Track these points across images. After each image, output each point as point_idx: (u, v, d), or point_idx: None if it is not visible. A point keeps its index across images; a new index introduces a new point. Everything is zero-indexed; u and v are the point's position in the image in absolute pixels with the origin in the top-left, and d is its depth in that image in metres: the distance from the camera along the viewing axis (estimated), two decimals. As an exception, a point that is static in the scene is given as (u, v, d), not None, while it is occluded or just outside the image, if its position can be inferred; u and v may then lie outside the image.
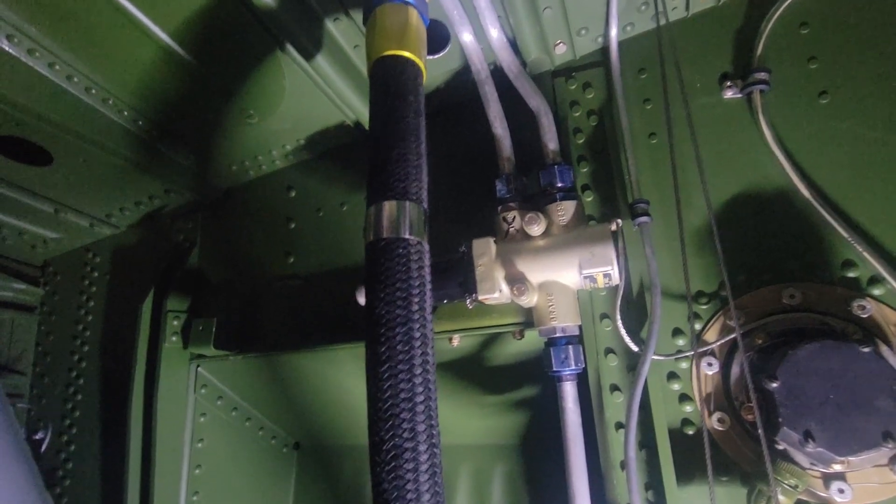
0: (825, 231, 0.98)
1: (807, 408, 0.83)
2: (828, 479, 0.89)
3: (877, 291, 0.94)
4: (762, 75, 1.05)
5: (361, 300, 1.12)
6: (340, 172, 1.57)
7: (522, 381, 1.40)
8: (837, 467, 0.86)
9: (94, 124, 1.38)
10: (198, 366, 1.64)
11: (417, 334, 0.70)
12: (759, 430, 0.86)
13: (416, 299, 0.71)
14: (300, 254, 1.59)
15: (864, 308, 0.93)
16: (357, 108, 1.34)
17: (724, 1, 1.13)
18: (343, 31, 1.17)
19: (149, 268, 1.86)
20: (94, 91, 1.30)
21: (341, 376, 1.60)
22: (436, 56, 1.22)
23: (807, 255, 0.99)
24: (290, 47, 1.18)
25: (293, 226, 1.61)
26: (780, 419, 0.84)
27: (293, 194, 1.63)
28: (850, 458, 0.81)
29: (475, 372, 1.35)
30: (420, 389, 0.68)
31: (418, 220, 0.76)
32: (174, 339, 1.61)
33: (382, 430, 0.66)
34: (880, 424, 0.79)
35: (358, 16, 1.13)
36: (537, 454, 1.60)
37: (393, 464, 0.65)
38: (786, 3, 1.07)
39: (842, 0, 1.04)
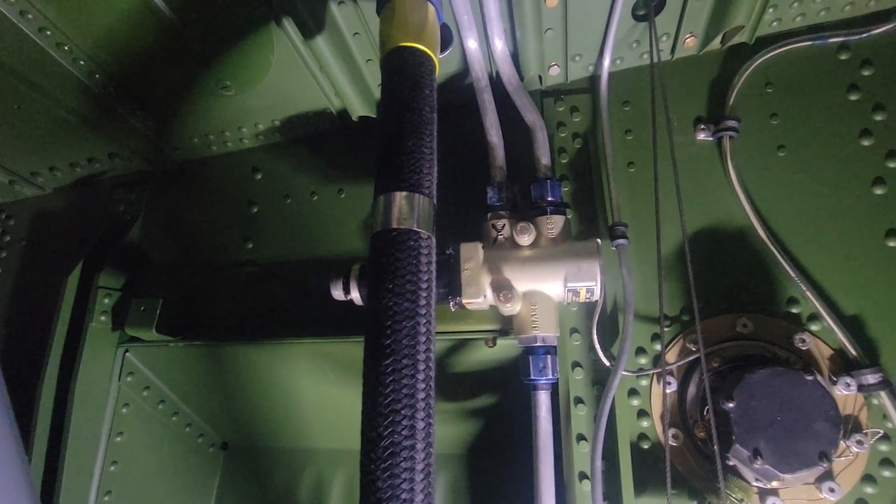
0: (776, 269, 1.09)
1: (757, 427, 0.91)
2: (764, 494, 0.97)
3: (814, 327, 1.05)
4: (732, 123, 1.16)
5: (337, 294, 1.08)
6: (314, 160, 1.50)
7: (481, 390, 1.41)
8: (775, 484, 0.95)
9: (41, 68, 1.23)
10: (126, 351, 1.49)
11: (423, 329, 0.68)
12: (715, 447, 0.93)
13: (424, 293, 0.70)
14: (260, 240, 1.50)
15: (803, 341, 1.03)
16: (346, 97, 1.30)
17: (704, 51, 1.23)
18: (346, 16, 1.14)
19: (77, 238, 1.67)
20: (49, 33, 1.16)
21: (290, 374, 1.52)
22: (439, 58, 1.22)
23: (759, 289, 1.09)
24: (287, 22, 1.13)
25: (255, 210, 1.52)
26: (734, 437, 0.91)
27: (259, 177, 1.54)
28: (789, 476, 0.90)
29: (438, 377, 1.34)
30: (422, 386, 0.66)
31: (428, 213, 0.75)
32: (103, 318, 1.45)
33: (381, 427, 0.63)
34: (818, 446, 0.89)
35: (364, 3, 1.11)
36: (482, 465, 1.61)
37: (390, 461, 0.62)
38: (755, 63, 1.19)
39: (801, 68, 1.17)
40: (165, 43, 1.21)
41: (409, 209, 0.72)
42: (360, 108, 1.34)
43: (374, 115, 1.38)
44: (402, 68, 0.84)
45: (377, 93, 1.35)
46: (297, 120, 1.45)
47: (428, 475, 0.65)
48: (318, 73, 1.25)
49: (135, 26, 1.16)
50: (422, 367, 0.66)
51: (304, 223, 1.46)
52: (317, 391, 1.52)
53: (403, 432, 0.63)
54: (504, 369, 1.26)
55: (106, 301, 1.46)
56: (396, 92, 0.81)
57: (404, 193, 0.73)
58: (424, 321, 0.68)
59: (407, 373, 0.65)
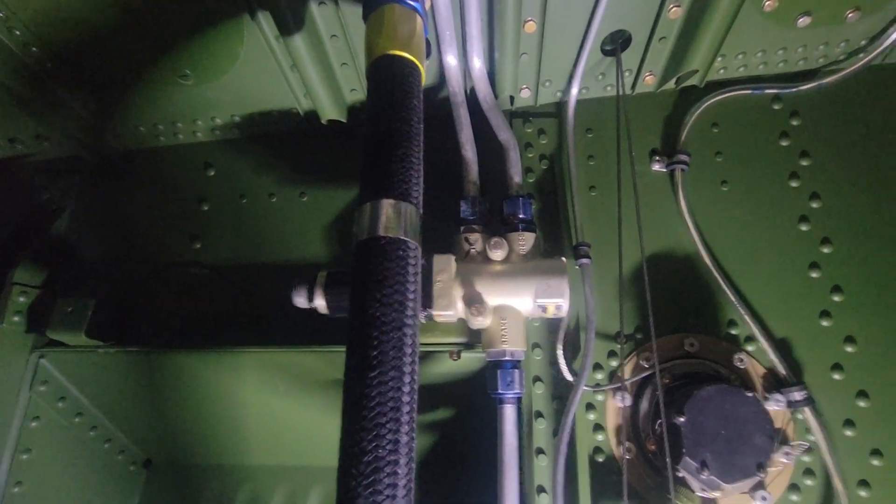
0: (718, 294, 1.18)
1: (705, 440, 0.98)
2: (706, 504, 1.04)
3: (750, 348, 1.15)
4: (684, 157, 1.26)
5: (300, 302, 1.03)
6: (275, 161, 1.44)
7: (442, 403, 1.40)
8: (717, 493, 1.02)
9: (-34, 34, 1.09)
10: (40, 357, 1.32)
11: (409, 341, 0.67)
12: (667, 459, 0.98)
13: (411, 304, 0.69)
14: (210, 240, 1.40)
15: (741, 360, 1.13)
16: (317, 99, 1.27)
17: (661, 89, 1.33)
18: (325, 17, 1.11)
19: (-13, 227, 1.47)
20: (-18, -5, 1.03)
21: (234, 385, 1.42)
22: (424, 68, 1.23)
23: (704, 311, 1.18)
24: (262, 17, 1.08)
25: (206, 208, 1.43)
26: (684, 450, 0.97)
27: (212, 173, 1.45)
28: (730, 486, 0.97)
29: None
30: (407, 399, 0.64)
31: (416, 223, 0.74)
32: (16, 319, 1.29)
33: (364, 441, 0.61)
34: (756, 457, 0.96)
35: (346, 6, 1.09)
36: (441, 478, 1.58)
37: (372, 477, 0.60)
38: (704, 105, 1.30)
39: (742, 113, 1.30)
40: (120, 21, 1.12)
41: (396, 217, 0.71)
42: (330, 112, 1.30)
43: (344, 120, 1.35)
44: (391, 76, 0.83)
45: (350, 97, 1.32)
46: (260, 117, 1.39)
47: (409, 491, 0.63)
48: (290, 72, 1.21)
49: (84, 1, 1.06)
50: (407, 379, 0.64)
51: (260, 225, 1.39)
52: (263, 403, 1.43)
53: (388, 447, 0.61)
54: (467, 382, 1.26)
55: (21, 299, 1.30)
56: (386, 99, 0.80)
57: (392, 201, 0.72)
58: (411, 332, 0.67)
59: (393, 385, 0.63)
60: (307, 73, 1.19)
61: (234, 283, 1.35)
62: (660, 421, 1.05)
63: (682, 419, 0.99)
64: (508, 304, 1.02)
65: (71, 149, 1.41)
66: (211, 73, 1.24)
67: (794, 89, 1.28)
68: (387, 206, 0.72)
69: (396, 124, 0.78)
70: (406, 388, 0.64)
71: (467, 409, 1.37)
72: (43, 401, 1.34)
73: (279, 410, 1.43)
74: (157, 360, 1.32)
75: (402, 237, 0.71)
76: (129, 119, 1.37)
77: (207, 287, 1.34)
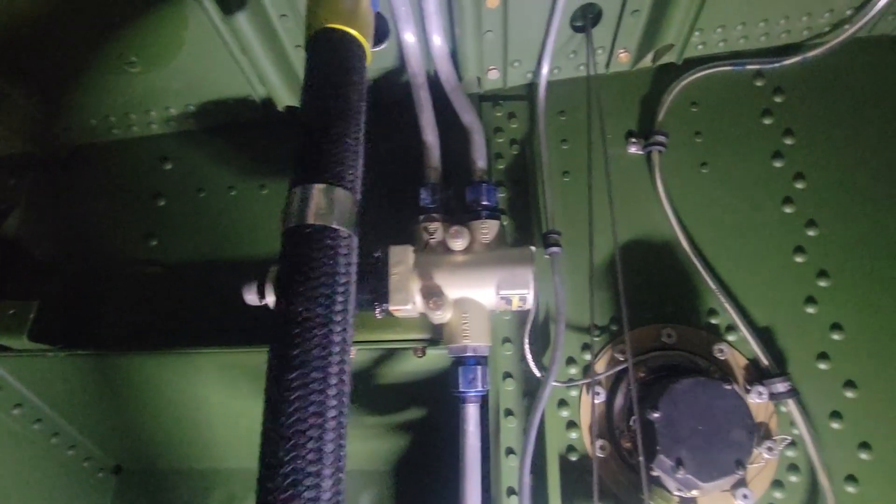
0: (698, 281, 1.12)
1: (680, 437, 0.92)
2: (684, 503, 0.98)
3: (731, 338, 1.09)
4: (661, 138, 1.19)
5: (250, 299, 0.97)
6: (234, 152, 1.37)
7: (409, 403, 1.34)
8: (695, 492, 0.96)
9: None
10: (-8, 362, 1.26)
11: (337, 339, 0.60)
12: (640, 458, 0.92)
13: (341, 298, 0.62)
14: (166, 237, 1.34)
15: (721, 351, 1.07)
16: (271, 84, 1.20)
17: (637, 67, 1.26)
18: (273, -6, 1.04)
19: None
20: None
21: (196, 387, 1.36)
22: (373, 50, 1.15)
23: (682, 300, 1.12)
24: (205, -4, 1.01)
25: (162, 203, 1.36)
26: (658, 447, 0.91)
27: (168, 167, 1.38)
28: (708, 484, 0.91)
29: (362, 389, 1.25)
30: (333, 403, 0.58)
31: (350, 210, 0.68)
32: (-38, 324, 1.22)
33: (281, 451, 0.54)
34: (734, 454, 0.90)
35: (294, -17, 1.02)
36: (409, 481, 1.53)
37: (290, 492, 0.54)
38: (683, 83, 1.23)
39: (722, 91, 1.23)
40: (55, 8, 1.05)
41: (327, 204, 0.65)
42: (286, 98, 1.24)
43: (302, 107, 1.28)
44: (329, 51, 0.76)
45: (306, 82, 1.25)
46: (216, 107, 1.32)
47: None
48: (240, 57, 1.14)
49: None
50: (334, 381, 0.58)
51: (220, 220, 1.33)
52: (228, 405, 1.37)
53: (309, 457, 0.54)
54: (434, 381, 1.20)
55: (-32, 303, 1.23)
56: (321, 76, 0.74)
57: (323, 186, 0.65)
58: (339, 329, 0.60)
59: (315, 388, 0.57)
60: (257, 56, 1.12)
61: (193, 281, 1.28)
62: (634, 417, 0.99)
63: (656, 415, 0.93)
64: (470, 296, 0.96)
65: (19, 145, 1.34)
66: (158, 59, 1.17)
67: (776, 64, 1.21)
68: (317, 191, 0.66)
69: (331, 102, 0.72)
70: (332, 392, 0.58)
71: (436, 409, 1.31)
72: (-4, 408, 1.28)
73: (245, 412, 1.37)
74: (113, 363, 1.26)
75: (332, 225, 0.64)
76: (78, 111, 1.31)
77: (164, 285, 1.28)
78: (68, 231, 1.37)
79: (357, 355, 1.14)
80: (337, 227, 0.65)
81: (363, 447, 1.47)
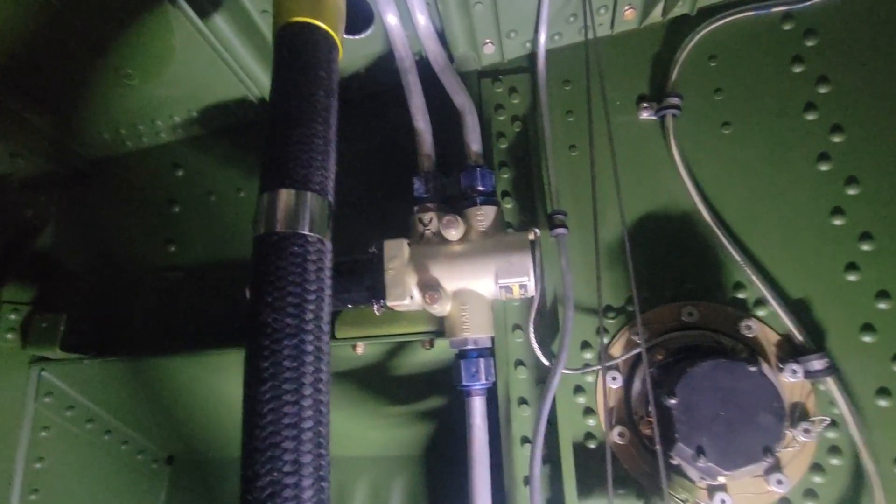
0: (721, 254, 1.03)
1: (700, 424, 0.86)
2: (712, 490, 0.93)
3: (761, 313, 1.00)
4: (675, 100, 1.09)
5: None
6: (240, 153, 1.39)
7: (430, 391, 1.34)
8: (722, 479, 0.91)
9: None
10: (41, 370, 1.36)
11: (310, 348, 0.59)
12: (658, 446, 0.87)
13: (312, 307, 0.61)
14: (184, 242, 1.38)
15: (749, 328, 0.99)
16: (262, 83, 1.19)
17: (645, 24, 1.16)
18: (249, -10, 1.02)
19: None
20: None
21: (227, 384, 1.41)
22: (357, 37, 1.12)
23: (704, 275, 1.04)
24: (181, 1, 1.00)
25: (177, 210, 1.40)
26: (677, 435, 0.86)
27: (180, 174, 1.42)
28: (732, 473, 0.85)
29: (379, 381, 1.26)
30: (308, 414, 0.57)
31: (321, 214, 0.66)
32: (10, 336, 1.32)
33: (258, 463, 0.55)
34: (761, 440, 0.84)
35: (269, -24, 0.99)
36: (441, 465, 1.54)
37: None
38: (698, 36, 1.12)
39: (744, 40, 1.11)
40: (50, 29, 1.08)
41: (296, 209, 0.63)
42: (279, 95, 1.22)
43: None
44: (293, 47, 0.74)
45: (298, 77, 1.24)
46: (217, 110, 1.33)
47: None
48: (228, 57, 1.13)
49: (13, 15, 1.02)
50: (308, 391, 0.57)
51: (230, 222, 1.35)
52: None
53: (286, 469, 0.54)
54: (447, 371, 1.18)
55: (13, 317, 1.33)
56: (284, 74, 0.71)
57: (290, 191, 0.64)
58: (313, 338, 0.59)
59: (289, 399, 0.56)
60: (241, 55, 1.11)
61: (211, 283, 1.32)
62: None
63: (673, 401, 0.87)
64: (468, 287, 0.93)
65: (42, 163, 1.41)
66: (153, 70, 1.18)
67: (807, 3, 1.07)
68: (284, 196, 0.64)
69: (296, 101, 0.69)
70: (307, 402, 0.57)
71: (452, 399, 1.30)
72: (50, 411, 1.39)
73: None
74: (144, 365, 1.33)
75: (301, 231, 0.63)
76: (89, 126, 1.35)
77: (184, 290, 1.33)
78: (96, 242, 1.44)
79: (367, 350, 1.14)
80: (305, 232, 0.63)
81: (388, 435, 1.49)
